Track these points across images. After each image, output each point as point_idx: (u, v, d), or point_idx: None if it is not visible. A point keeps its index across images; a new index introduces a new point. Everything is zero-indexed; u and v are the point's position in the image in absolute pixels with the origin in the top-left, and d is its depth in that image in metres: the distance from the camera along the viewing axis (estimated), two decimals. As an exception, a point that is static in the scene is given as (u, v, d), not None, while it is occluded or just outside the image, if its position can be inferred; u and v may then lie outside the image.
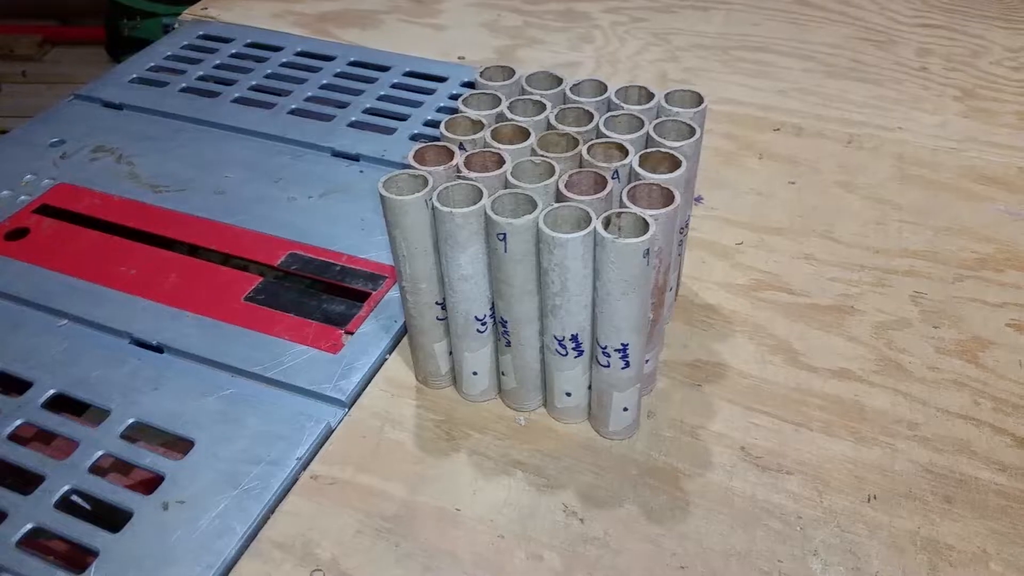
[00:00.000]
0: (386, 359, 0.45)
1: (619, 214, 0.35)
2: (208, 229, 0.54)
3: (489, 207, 0.35)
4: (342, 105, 0.66)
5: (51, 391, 0.43)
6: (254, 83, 0.68)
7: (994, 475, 0.39)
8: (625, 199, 0.36)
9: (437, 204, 0.35)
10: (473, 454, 0.40)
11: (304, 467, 0.40)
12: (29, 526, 0.37)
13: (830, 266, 0.50)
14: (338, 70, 0.70)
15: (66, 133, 0.63)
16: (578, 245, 0.34)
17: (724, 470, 0.39)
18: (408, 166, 0.38)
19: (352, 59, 0.71)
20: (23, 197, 0.57)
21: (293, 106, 0.66)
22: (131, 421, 0.42)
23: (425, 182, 0.37)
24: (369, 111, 0.65)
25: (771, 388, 0.43)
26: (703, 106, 0.41)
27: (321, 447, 0.41)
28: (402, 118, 0.64)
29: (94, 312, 0.48)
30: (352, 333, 0.46)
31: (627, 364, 0.37)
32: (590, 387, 0.40)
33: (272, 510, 0.38)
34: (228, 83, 0.68)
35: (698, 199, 0.55)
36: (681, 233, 0.45)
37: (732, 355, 0.45)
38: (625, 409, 0.40)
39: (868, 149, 0.59)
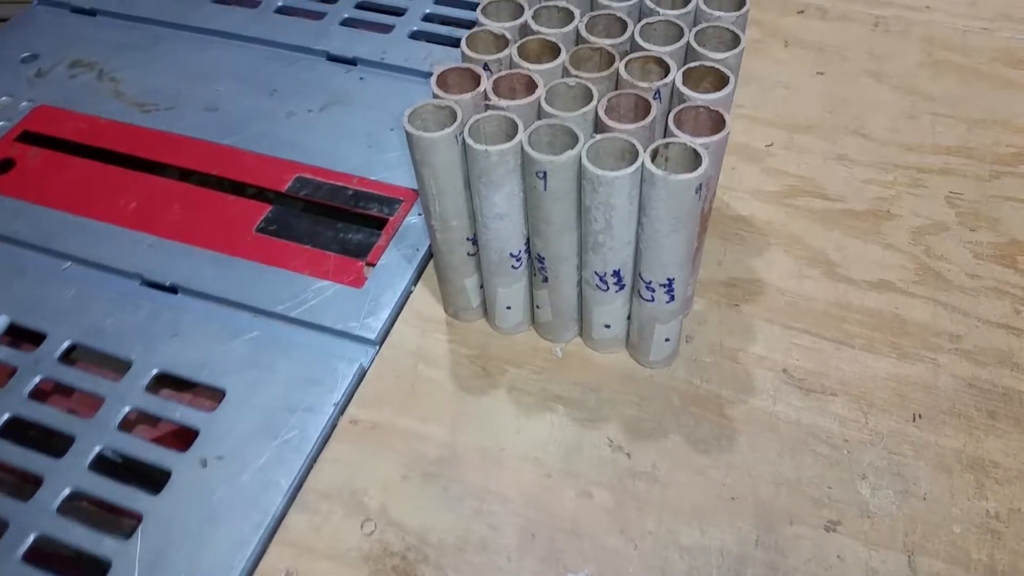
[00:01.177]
0: (412, 291, 0.44)
1: (667, 144, 0.32)
2: (205, 152, 0.51)
3: (526, 142, 0.33)
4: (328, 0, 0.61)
5: (66, 342, 0.42)
6: (232, -22, 0.63)
7: (1036, 387, 0.38)
8: (672, 126, 0.33)
9: (470, 141, 0.33)
10: (512, 390, 0.39)
11: (341, 412, 0.39)
12: (67, 491, 0.36)
13: (863, 166, 0.48)
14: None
15: (37, 46, 0.58)
16: (625, 183, 0.32)
17: (767, 395, 0.39)
18: (433, 97, 0.35)
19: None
20: (1, 123, 0.53)
21: (280, 3, 0.61)
22: (155, 372, 0.40)
23: (453, 114, 0.34)
24: (362, 5, 0.61)
25: (810, 304, 0.42)
26: (745, 9, 0.38)
27: (356, 390, 0.40)
28: (398, 12, 0.60)
29: (99, 252, 0.45)
30: (374, 265, 0.44)
31: (672, 298, 0.36)
32: (629, 317, 0.39)
33: (315, 459, 0.37)
34: (204, -21, 0.63)
35: (721, 96, 0.52)
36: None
37: (768, 270, 0.43)
38: (667, 340, 0.39)
39: (895, 32, 0.56)
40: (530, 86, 0.35)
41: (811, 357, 0.40)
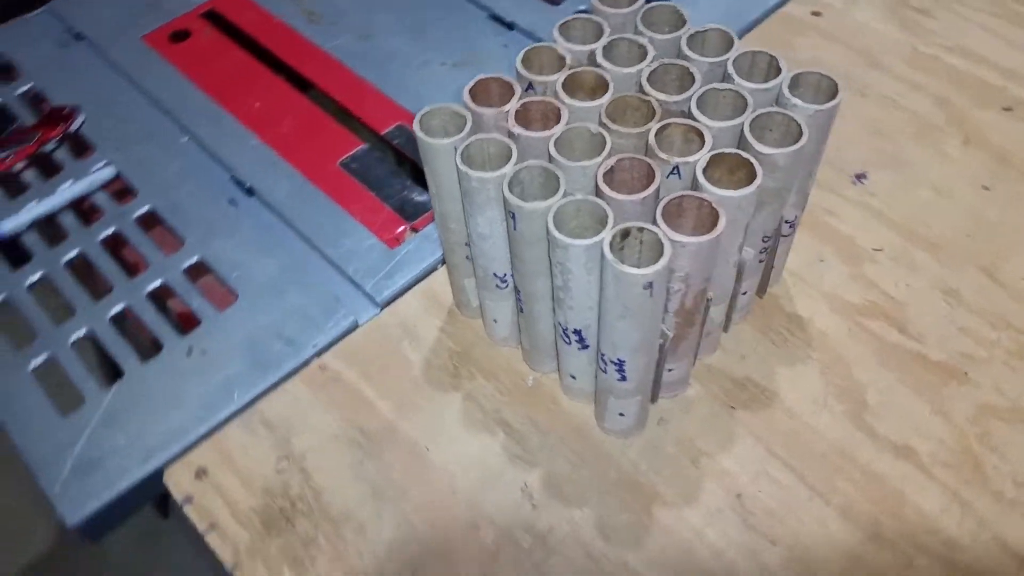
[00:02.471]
0: (437, 268, 0.44)
1: (641, 228, 0.30)
2: (338, 76, 0.54)
3: (508, 179, 0.32)
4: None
5: (147, 206, 0.47)
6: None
7: (1016, 642, 0.32)
8: (659, 213, 0.30)
9: (458, 160, 0.32)
10: (469, 399, 0.40)
11: (318, 355, 0.41)
12: (84, 330, 0.42)
13: (971, 312, 0.41)
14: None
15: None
16: (580, 252, 0.30)
17: (706, 513, 0.36)
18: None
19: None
20: (199, -5, 0.59)
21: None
22: (197, 259, 0.45)
23: (462, 125, 0.34)
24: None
25: (811, 440, 0.37)
26: (836, 101, 0.33)
27: (340, 339, 0.42)
28: (580, -12, 0.58)
29: (214, 138, 0.51)
30: (417, 231, 0.46)
31: (623, 378, 0.34)
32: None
33: (274, 387, 0.40)
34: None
35: (860, 177, 0.46)
36: (790, 226, 0.39)
37: (791, 385, 0.39)
38: (621, 415, 0.37)
39: (1122, 168, 0.46)
40: (549, 117, 0.34)
41: (776, 495, 0.36)
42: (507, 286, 0.37)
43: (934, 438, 0.37)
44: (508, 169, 0.32)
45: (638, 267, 0.29)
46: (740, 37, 0.54)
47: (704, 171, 0.32)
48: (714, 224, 0.30)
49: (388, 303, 0.43)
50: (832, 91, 0.34)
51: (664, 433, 0.38)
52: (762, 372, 0.40)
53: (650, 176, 0.32)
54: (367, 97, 0.53)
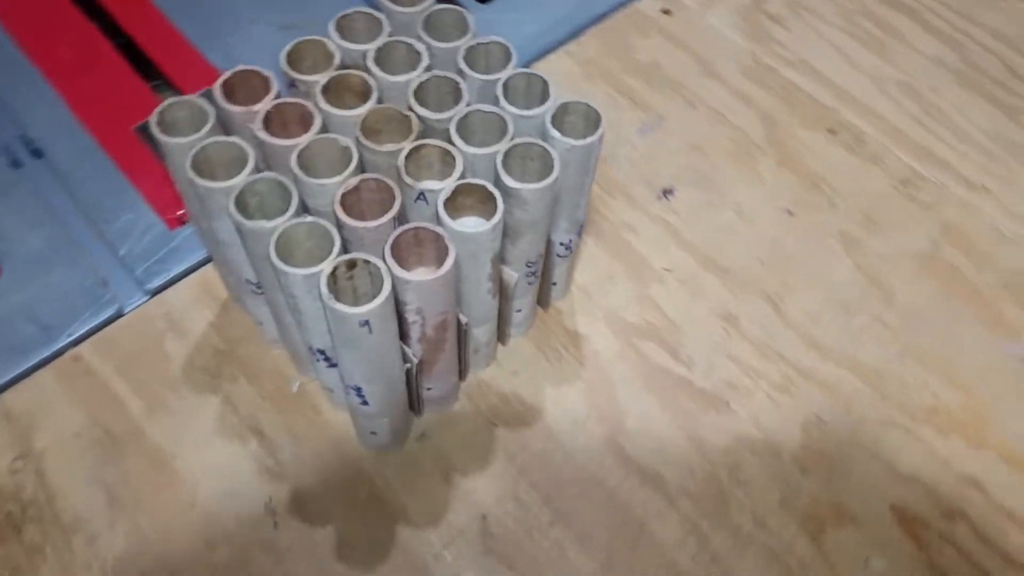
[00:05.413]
0: (211, 259, 0.42)
1: (367, 261, 0.29)
2: (157, 27, 0.50)
3: (237, 192, 0.30)
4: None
5: (-91, 165, 0.44)
6: None
7: None
8: (389, 244, 0.29)
9: (187, 164, 0.30)
10: (227, 402, 0.38)
11: (74, 344, 0.39)
12: None
13: (745, 341, 0.41)
14: None
15: None
16: (300, 280, 0.29)
17: (448, 533, 0.35)
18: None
19: None
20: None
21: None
22: (-44, 228, 0.42)
23: (203, 120, 0.31)
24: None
25: (563, 463, 0.37)
26: (594, 137, 0.32)
27: (101, 329, 0.40)
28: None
29: (7, 87, 0.47)
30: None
31: (365, 403, 0.33)
32: (352, 393, 0.36)
33: (22, 378, 0.38)
34: None
35: (668, 193, 0.46)
36: (566, 248, 0.38)
37: (554, 406, 0.39)
38: (373, 433, 0.36)
39: (920, 203, 0.46)
40: (303, 121, 0.32)
41: (521, 517, 0.36)
42: (261, 292, 0.36)
43: (684, 467, 0.38)
44: (239, 180, 0.30)
45: (368, 296, 0.28)
46: (584, 31, 0.52)
47: (454, 199, 0.31)
48: (441, 260, 0.29)
49: (158, 291, 0.41)
50: (595, 121, 0.33)
51: (423, 449, 0.38)
52: (530, 389, 0.39)
53: (386, 197, 0.30)
54: (181, 54, 0.49)
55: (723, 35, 0.53)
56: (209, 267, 0.42)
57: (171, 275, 0.41)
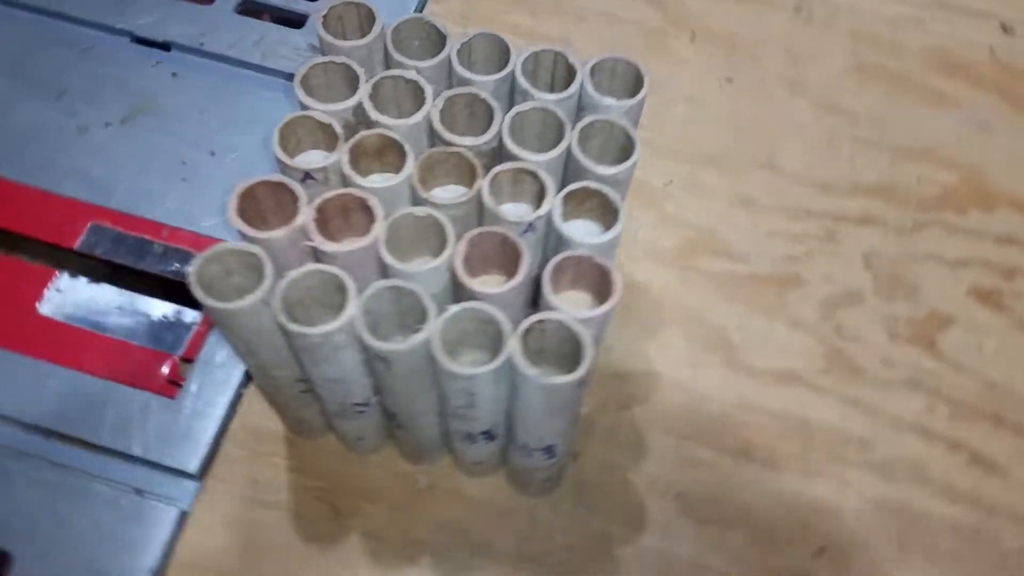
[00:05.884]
0: (242, 394, 0.36)
1: (541, 321, 0.25)
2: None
3: (361, 321, 0.25)
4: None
5: None
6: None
7: (946, 507, 0.35)
8: (548, 287, 0.26)
9: (282, 319, 0.25)
10: (367, 536, 0.33)
11: (155, 576, 0.32)
12: None
13: (771, 213, 0.42)
14: None
15: None
16: (488, 379, 0.25)
17: (658, 528, 0.34)
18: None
19: None
20: None
21: (63, -43, 0.47)
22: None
23: (258, 266, 0.25)
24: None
25: (707, 406, 0.37)
26: (642, 95, 0.30)
27: (175, 547, 0.33)
28: (222, -24, 0.47)
29: None
30: (192, 360, 0.36)
31: (552, 455, 0.30)
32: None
33: (119, 647, 0.31)
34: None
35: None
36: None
37: (663, 357, 0.38)
38: (547, 480, 0.33)
39: (819, 22, 0.48)
40: (364, 211, 0.27)
41: (708, 477, 0.35)
42: (370, 408, 0.31)
43: (803, 351, 0.38)
44: (354, 310, 0.25)
45: (539, 352, 0.25)
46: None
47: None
48: (598, 281, 0.27)
49: (207, 468, 0.34)
50: (635, 78, 0.30)
51: (583, 466, 0.35)
52: (633, 357, 0.38)
53: (507, 244, 0.27)
54: (27, 203, 0.39)
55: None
56: (244, 410, 0.35)
57: (207, 442, 0.34)
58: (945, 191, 0.43)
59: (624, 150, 0.29)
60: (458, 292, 0.26)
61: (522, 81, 0.29)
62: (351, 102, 0.29)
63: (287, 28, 0.46)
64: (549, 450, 0.29)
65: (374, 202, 0.27)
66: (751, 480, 0.35)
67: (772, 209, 0.42)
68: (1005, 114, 0.45)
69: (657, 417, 0.36)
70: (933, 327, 0.39)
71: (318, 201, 0.26)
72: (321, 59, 0.29)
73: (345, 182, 0.28)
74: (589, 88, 0.29)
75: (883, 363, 0.38)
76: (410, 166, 0.28)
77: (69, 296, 0.38)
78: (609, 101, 0.29)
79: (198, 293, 0.25)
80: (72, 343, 0.36)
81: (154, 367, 0.36)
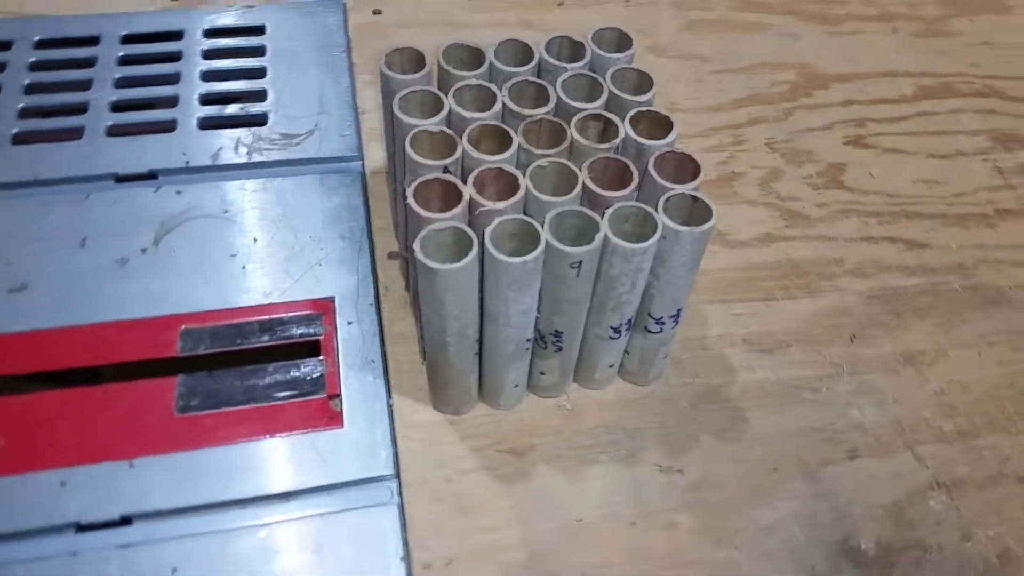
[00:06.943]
0: (391, 404, 0.41)
1: (668, 199, 0.34)
2: (53, 343, 0.41)
3: (551, 238, 0.32)
4: (77, 110, 0.51)
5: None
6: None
7: (909, 279, 0.48)
8: (656, 175, 0.35)
9: (501, 257, 0.32)
10: (550, 460, 0.40)
11: (409, 566, 0.36)
12: None
13: (690, 138, 0.54)
14: (32, 59, 0.53)
15: None
16: (654, 248, 0.34)
17: (745, 367, 0.44)
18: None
19: (39, 38, 0.54)
20: None
21: (13, 131, 0.50)
22: (181, 621, 0.34)
23: (459, 236, 0.32)
24: (119, 106, 0.52)
25: (726, 276, 0.47)
26: (631, 51, 0.40)
27: (406, 535, 0.37)
28: (170, 103, 0.52)
29: (10, 519, 0.36)
30: (338, 396, 0.41)
31: (677, 322, 0.39)
32: (626, 350, 0.41)
33: (413, 622, 0.35)
34: None
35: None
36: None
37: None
38: (665, 356, 0.42)
39: (648, 4, 0.62)
40: (499, 178, 0.35)
41: (754, 321, 0.46)
42: (530, 344, 0.38)
43: (766, 219, 0.50)
44: (546, 233, 0.32)
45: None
46: None
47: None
48: (676, 167, 0.36)
49: (398, 468, 0.39)
50: (619, 38, 0.41)
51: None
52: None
53: (609, 165, 0.36)
54: (111, 336, 0.42)
55: None
56: (401, 413, 0.41)
57: (387, 448, 0.39)
58: (793, 85, 0.57)
59: (639, 83, 0.39)
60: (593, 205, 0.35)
61: (550, 59, 0.39)
62: (442, 114, 0.36)
63: (255, 127, 0.51)
64: (677, 316, 0.38)
65: (512, 170, 0.35)
66: (781, 311, 0.46)
67: (686, 137, 0.54)
68: (802, 25, 0.61)
69: (696, 297, 0.46)
70: (835, 172, 0.53)
71: (473, 176, 0.34)
72: (408, 90, 0.36)
73: (464, 174, 0.35)
74: (599, 51, 0.39)
75: (818, 207, 0.51)
76: (517, 138, 0.36)
77: (197, 391, 0.41)
78: (615, 55, 0.39)
79: (426, 261, 0.31)
80: (224, 426, 0.39)
81: (309, 410, 0.40)
